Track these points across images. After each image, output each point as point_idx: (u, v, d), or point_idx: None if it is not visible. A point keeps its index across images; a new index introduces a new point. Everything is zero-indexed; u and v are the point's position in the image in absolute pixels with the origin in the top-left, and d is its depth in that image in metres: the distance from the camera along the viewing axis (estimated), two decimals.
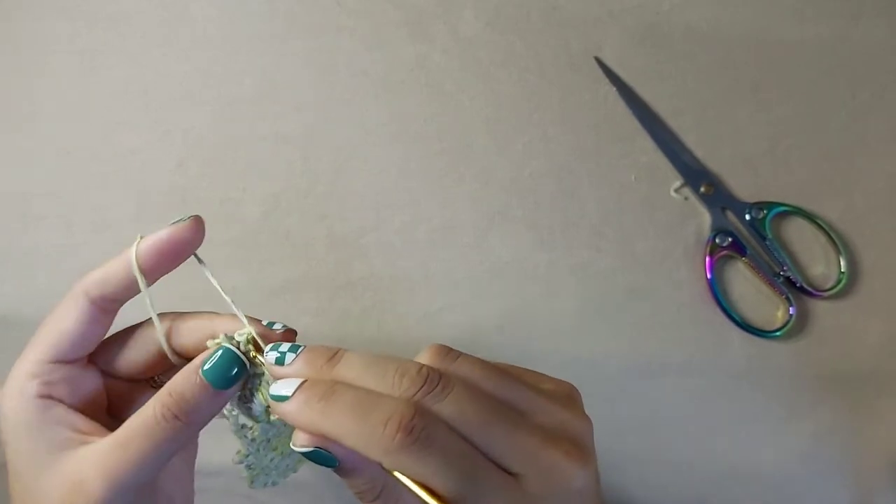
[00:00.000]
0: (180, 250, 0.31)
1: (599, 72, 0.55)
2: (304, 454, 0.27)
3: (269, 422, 0.32)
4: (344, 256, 0.52)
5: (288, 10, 0.55)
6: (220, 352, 0.30)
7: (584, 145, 0.54)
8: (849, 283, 0.53)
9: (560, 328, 0.52)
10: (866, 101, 0.56)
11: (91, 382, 0.33)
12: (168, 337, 0.33)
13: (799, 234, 0.54)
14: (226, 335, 0.31)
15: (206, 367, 0.30)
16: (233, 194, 0.52)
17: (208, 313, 0.33)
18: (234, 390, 0.30)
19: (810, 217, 0.53)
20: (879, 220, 0.54)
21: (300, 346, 0.30)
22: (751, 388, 0.52)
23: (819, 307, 0.53)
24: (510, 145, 0.54)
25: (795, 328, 0.52)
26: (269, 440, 0.33)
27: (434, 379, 0.28)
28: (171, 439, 0.29)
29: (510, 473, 0.28)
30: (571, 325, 0.52)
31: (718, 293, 0.52)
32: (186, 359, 0.32)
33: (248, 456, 0.33)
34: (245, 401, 0.31)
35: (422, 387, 0.27)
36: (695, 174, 0.54)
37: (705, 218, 0.53)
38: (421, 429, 0.26)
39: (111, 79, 0.53)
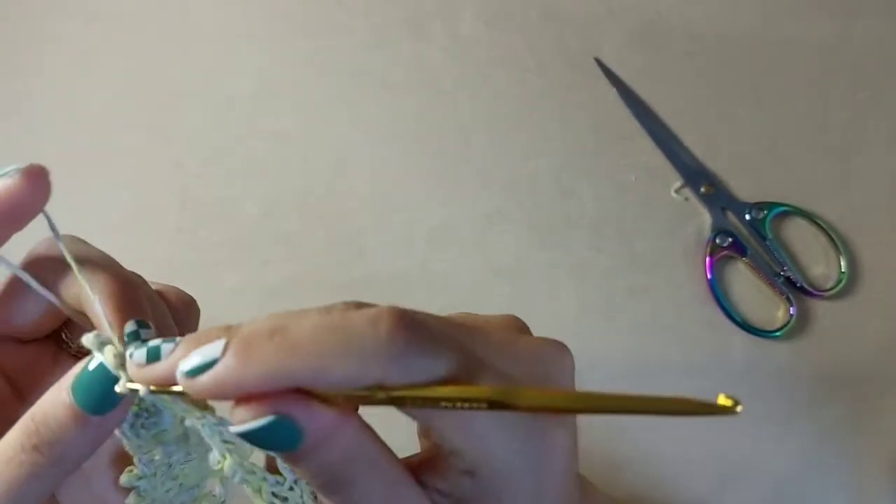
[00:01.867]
0: (14, 214, 0.24)
1: (599, 71, 0.55)
2: (254, 434, 0.19)
3: (184, 441, 0.25)
4: (343, 256, 0.51)
5: (287, 10, 0.55)
6: (91, 364, 0.22)
7: (583, 145, 0.54)
8: (849, 283, 0.53)
9: (560, 328, 0.51)
10: (866, 100, 0.56)
11: None
12: (54, 285, 0.25)
13: (799, 234, 0.54)
14: (97, 336, 0.23)
15: (74, 384, 0.22)
16: (232, 194, 0.52)
17: (102, 262, 0.25)
18: (115, 418, 0.23)
19: (810, 217, 0.53)
20: (879, 220, 0.54)
21: (176, 339, 0.21)
22: (751, 389, 0.51)
23: (819, 307, 0.53)
24: (509, 145, 0.53)
25: (796, 328, 0.52)
26: (171, 465, 0.26)
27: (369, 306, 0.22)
28: (31, 477, 0.22)
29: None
30: (571, 326, 0.52)
31: (719, 293, 0.52)
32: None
33: (141, 478, 0.26)
34: (148, 416, 0.24)
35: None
36: (695, 174, 0.53)
37: (705, 218, 0.53)
38: (414, 317, 0.20)
39: (110, 78, 0.53)
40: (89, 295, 0.24)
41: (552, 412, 0.20)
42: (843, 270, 0.53)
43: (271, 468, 0.25)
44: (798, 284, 0.52)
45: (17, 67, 0.53)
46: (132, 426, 0.24)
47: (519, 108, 0.54)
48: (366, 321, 0.20)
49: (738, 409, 0.18)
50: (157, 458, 0.25)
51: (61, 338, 0.28)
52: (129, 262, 0.49)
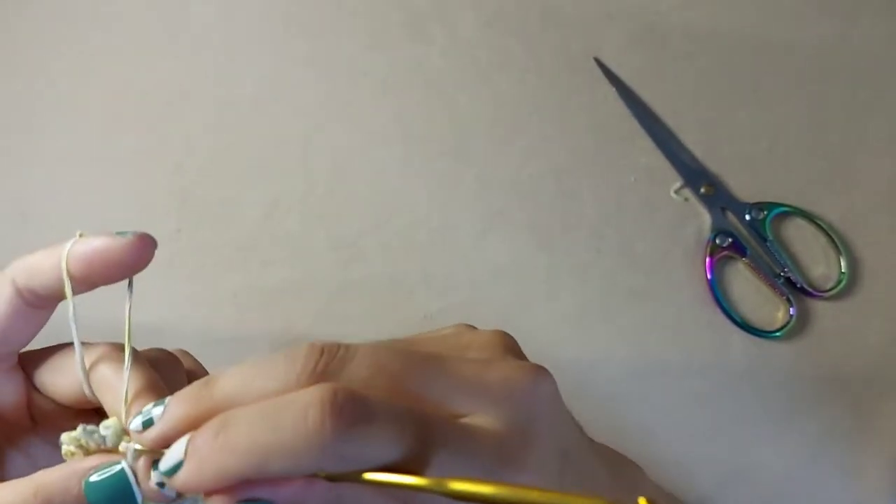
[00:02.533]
0: (112, 270, 0.25)
1: (599, 72, 0.55)
2: None
3: None
4: (343, 258, 0.51)
5: (288, 11, 0.55)
6: (116, 470, 0.23)
7: (583, 146, 0.54)
8: (849, 284, 0.53)
9: (560, 329, 0.52)
10: (866, 101, 0.56)
11: (7, 390, 0.27)
12: (90, 378, 0.26)
13: (799, 235, 0.54)
14: (130, 445, 0.23)
15: (91, 480, 0.23)
16: (232, 195, 0.52)
17: (141, 376, 0.26)
18: None
19: (810, 217, 0.53)
20: (879, 220, 0.54)
21: (165, 401, 0.23)
22: (751, 389, 0.52)
23: (819, 308, 0.53)
24: (509, 146, 0.53)
25: (796, 329, 0.52)
26: None
27: (332, 346, 0.23)
28: None
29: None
30: (571, 327, 0.52)
31: (719, 294, 0.52)
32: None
33: None
34: None
35: (321, 355, 0.22)
36: (695, 175, 0.54)
37: (705, 219, 0.53)
38: (350, 400, 0.20)
39: (110, 80, 0.53)
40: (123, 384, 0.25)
41: (479, 501, 0.21)
42: (843, 270, 0.53)
43: None
44: (798, 285, 0.52)
45: (17, 68, 0.53)
46: None
47: (519, 110, 0.54)
48: (297, 412, 0.20)
49: None
50: None
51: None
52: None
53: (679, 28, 0.56)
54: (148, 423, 0.23)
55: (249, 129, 0.53)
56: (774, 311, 0.53)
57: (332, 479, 0.21)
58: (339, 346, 0.23)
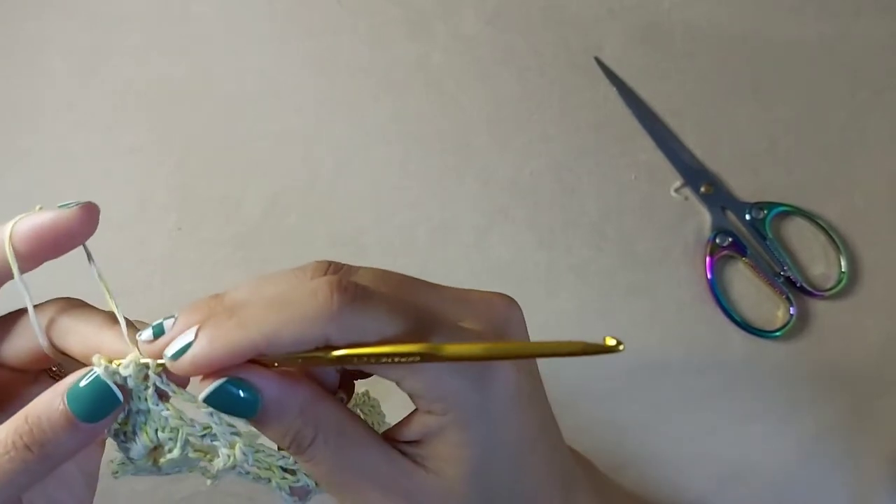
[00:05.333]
0: (62, 241, 0.26)
1: (599, 71, 0.55)
2: (218, 397, 0.23)
3: (154, 466, 0.27)
4: (344, 256, 0.51)
5: (288, 10, 0.55)
6: (91, 377, 0.25)
7: (584, 145, 0.54)
8: (849, 283, 0.53)
9: (560, 328, 0.52)
10: (866, 100, 0.56)
11: None
12: (48, 332, 0.27)
13: (799, 234, 0.54)
14: (105, 360, 0.25)
15: (70, 393, 0.24)
16: (233, 193, 0.52)
17: (102, 316, 0.27)
18: (104, 425, 0.25)
19: (810, 217, 0.53)
20: (879, 220, 0.54)
21: (175, 315, 0.25)
22: (751, 388, 0.52)
23: (819, 307, 0.53)
24: (510, 145, 0.54)
25: (796, 328, 0.52)
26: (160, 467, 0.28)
27: (337, 262, 0.26)
28: (19, 472, 0.24)
29: None
30: (571, 325, 0.52)
31: (719, 293, 0.52)
32: (72, 358, 0.27)
33: (124, 465, 0.28)
34: (124, 440, 0.26)
35: (329, 266, 0.26)
36: (695, 174, 0.54)
37: (705, 218, 0.53)
38: (353, 284, 0.24)
39: (111, 78, 0.53)
40: (116, 312, 0.26)
41: (470, 360, 0.24)
42: (843, 270, 0.53)
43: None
44: (798, 284, 0.52)
45: (18, 68, 0.53)
46: (116, 440, 0.27)
47: (519, 108, 0.54)
48: (307, 291, 0.23)
49: (621, 347, 0.22)
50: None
51: (50, 368, 0.30)
52: (129, 262, 0.50)
53: (679, 27, 0.56)
54: (158, 333, 0.24)
55: (250, 126, 0.53)
56: (774, 311, 0.53)
57: (340, 358, 0.23)
58: (343, 263, 0.26)
